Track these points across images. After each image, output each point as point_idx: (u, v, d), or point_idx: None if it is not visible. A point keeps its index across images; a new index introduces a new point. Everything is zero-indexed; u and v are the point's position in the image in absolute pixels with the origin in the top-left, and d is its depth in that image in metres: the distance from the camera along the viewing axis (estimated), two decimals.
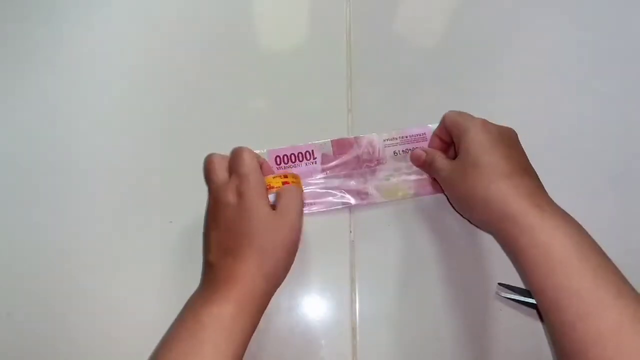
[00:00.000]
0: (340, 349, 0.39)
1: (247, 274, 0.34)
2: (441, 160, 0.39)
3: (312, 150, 0.42)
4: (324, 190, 0.42)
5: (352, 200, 0.42)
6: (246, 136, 0.41)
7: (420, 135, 0.43)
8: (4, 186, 0.43)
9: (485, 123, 0.37)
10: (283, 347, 0.39)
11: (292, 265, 0.39)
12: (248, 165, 0.36)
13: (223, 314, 0.33)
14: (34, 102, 0.45)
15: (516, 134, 0.38)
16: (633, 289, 0.30)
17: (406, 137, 0.43)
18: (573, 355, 0.29)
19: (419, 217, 0.42)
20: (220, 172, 0.38)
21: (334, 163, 0.42)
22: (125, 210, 0.42)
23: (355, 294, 0.41)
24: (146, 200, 0.43)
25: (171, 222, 0.42)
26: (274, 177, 0.39)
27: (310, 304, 0.40)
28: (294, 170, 0.42)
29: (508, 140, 0.37)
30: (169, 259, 0.41)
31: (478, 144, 0.36)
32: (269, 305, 0.40)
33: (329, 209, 0.41)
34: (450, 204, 0.41)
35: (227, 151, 0.40)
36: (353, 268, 0.41)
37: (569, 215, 0.34)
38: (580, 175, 0.43)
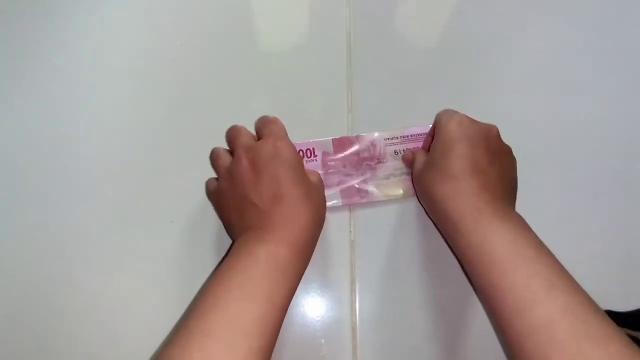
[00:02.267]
0: (340, 349, 0.39)
1: (298, 216, 0.35)
2: (419, 157, 0.40)
3: (313, 148, 0.42)
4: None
5: (341, 202, 0.42)
6: None
7: (421, 134, 0.43)
8: (4, 186, 0.43)
9: (462, 119, 0.37)
10: (283, 347, 0.39)
11: None
12: (282, 129, 0.38)
13: (280, 255, 0.33)
14: (34, 102, 0.45)
15: (494, 131, 0.38)
16: (568, 280, 0.31)
17: (407, 136, 0.43)
18: (512, 348, 0.31)
19: (419, 217, 0.42)
20: (248, 137, 0.39)
21: (334, 161, 0.42)
22: (125, 210, 0.42)
23: (355, 294, 0.41)
24: (146, 200, 0.42)
25: (172, 222, 0.42)
26: None
27: (310, 304, 0.40)
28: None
29: (478, 138, 0.36)
30: (170, 259, 0.41)
31: (443, 141, 0.37)
32: None
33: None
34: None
35: None
36: (353, 268, 0.41)
37: (511, 213, 0.35)
38: (580, 175, 0.43)
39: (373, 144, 0.43)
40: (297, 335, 0.40)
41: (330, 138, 0.43)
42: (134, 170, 0.43)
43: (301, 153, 0.42)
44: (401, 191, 0.42)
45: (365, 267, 0.41)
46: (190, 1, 0.48)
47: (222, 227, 0.41)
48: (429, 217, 0.41)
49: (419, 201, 0.41)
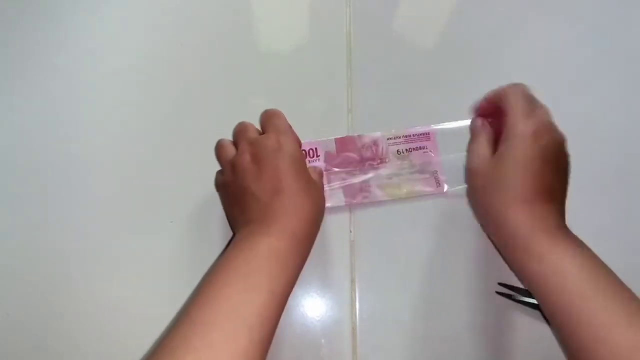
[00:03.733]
0: (340, 349, 0.39)
1: (298, 209, 0.35)
2: (481, 145, 0.38)
3: (316, 148, 0.42)
4: (327, 188, 0.42)
5: (344, 202, 0.42)
6: None
7: (423, 134, 0.43)
8: (4, 186, 0.43)
9: (539, 128, 0.35)
10: (283, 347, 0.39)
11: None
12: (285, 122, 0.39)
13: (280, 247, 0.33)
14: (34, 102, 0.45)
15: (565, 144, 0.36)
16: None
17: (410, 136, 0.43)
18: None
19: (419, 217, 0.42)
20: (253, 132, 0.39)
21: (337, 161, 0.42)
22: (125, 210, 0.42)
23: (355, 294, 0.41)
24: (147, 200, 0.42)
25: (172, 222, 0.42)
26: None
27: (310, 304, 0.40)
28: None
29: (551, 152, 0.35)
30: (170, 259, 0.41)
31: (514, 157, 0.35)
32: None
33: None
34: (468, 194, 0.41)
35: None
36: (353, 268, 0.41)
37: (579, 240, 0.34)
38: (580, 174, 0.43)
39: (375, 144, 0.43)
40: (297, 335, 0.40)
41: (333, 138, 0.43)
42: (134, 170, 0.43)
43: (304, 152, 0.42)
44: (404, 191, 0.42)
45: (365, 267, 0.41)
46: (190, 1, 0.48)
47: (222, 227, 0.41)
48: (484, 231, 0.40)
49: (475, 215, 0.40)
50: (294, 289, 0.40)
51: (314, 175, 0.39)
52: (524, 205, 0.34)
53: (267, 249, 0.33)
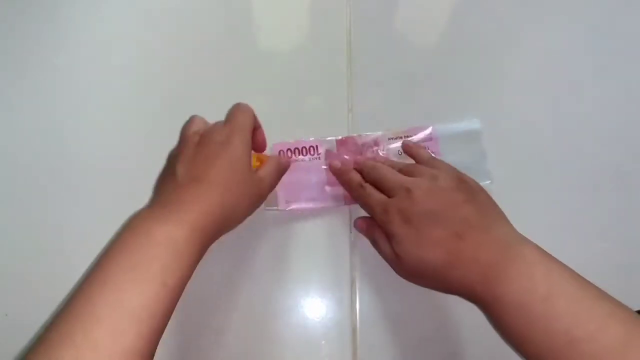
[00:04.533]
0: (340, 349, 0.39)
1: (207, 201, 0.33)
2: (383, 246, 0.37)
3: (317, 145, 0.42)
4: (327, 188, 0.42)
5: (344, 202, 0.42)
6: None
7: (425, 134, 0.42)
8: (4, 186, 0.43)
9: (401, 219, 0.34)
10: (283, 347, 0.39)
11: (292, 265, 0.39)
12: (245, 119, 0.38)
13: (177, 236, 0.31)
14: (34, 102, 0.45)
15: (453, 175, 0.36)
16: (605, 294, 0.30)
17: (410, 136, 0.42)
18: None
19: None
20: (220, 123, 0.39)
21: (337, 160, 0.42)
22: (125, 210, 0.42)
23: (355, 294, 0.40)
24: (146, 200, 0.42)
25: None
26: (263, 155, 0.41)
27: (310, 304, 0.40)
28: (297, 164, 0.42)
29: (448, 192, 0.35)
30: None
31: (418, 214, 0.34)
32: (269, 305, 0.40)
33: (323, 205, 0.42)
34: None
35: None
36: (353, 268, 0.41)
37: (524, 240, 0.33)
38: (580, 174, 0.43)
39: (376, 143, 0.42)
40: (297, 336, 0.40)
41: (334, 138, 0.43)
42: (134, 170, 0.43)
43: (304, 150, 0.42)
44: None
45: (365, 267, 0.41)
46: (190, 1, 0.48)
47: None
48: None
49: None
50: (294, 290, 0.40)
51: (263, 172, 0.38)
52: (457, 248, 0.32)
53: (163, 238, 0.31)
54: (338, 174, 0.41)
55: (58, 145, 0.44)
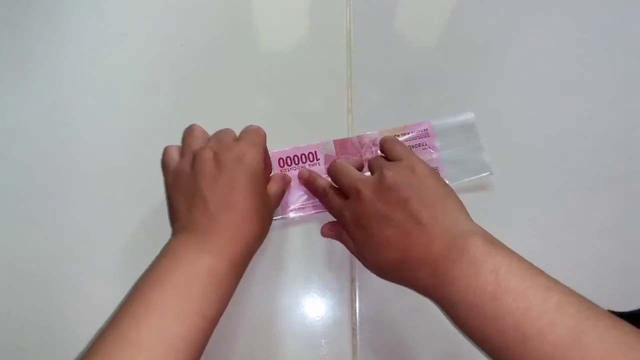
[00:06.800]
0: (340, 349, 0.39)
1: (243, 232, 0.34)
2: (348, 243, 0.39)
3: (315, 152, 0.42)
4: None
5: None
6: None
7: (422, 131, 0.42)
8: (4, 186, 0.43)
9: (354, 219, 0.35)
10: (283, 347, 0.39)
11: (292, 264, 0.39)
12: (260, 138, 0.38)
13: (218, 268, 0.33)
14: (34, 102, 0.45)
15: (378, 176, 0.35)
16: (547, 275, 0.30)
17: (408, 133, 0.42)
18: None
19: None
20: (229, 136, 0.38)
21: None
22: (125, 210, 0.42)
23: (355, 294, 0.41)
24: (147, 200, 0.42)
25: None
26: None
27: (310, 305, 0.40)
28: (297, 173, 0.42)
29: (374, 195, 0.35)
30: None
31: (365, 217, 0.35)
32: (269, 305, 0.40)
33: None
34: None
35: None
36: (353, 268, 0.41)
37: (474, 228, 0.33)
38: (580, 175, 0.43)
39: (375, 144, 0.42)
40: (297, 336, 0.40)
41: (332, 140, 0.43)
42: (134, 170, 0.43)
43: (303, 157, 0.42)
44: None
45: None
46: (190, 1, 0.48)
47: None
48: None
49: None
50: (294, 290, 0.40)
51: (273, 189, 0.39)
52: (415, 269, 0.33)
53: (206, 270, 0.32)
54: (307, 184, 0.41)
55: (58, 145, 0.44)
